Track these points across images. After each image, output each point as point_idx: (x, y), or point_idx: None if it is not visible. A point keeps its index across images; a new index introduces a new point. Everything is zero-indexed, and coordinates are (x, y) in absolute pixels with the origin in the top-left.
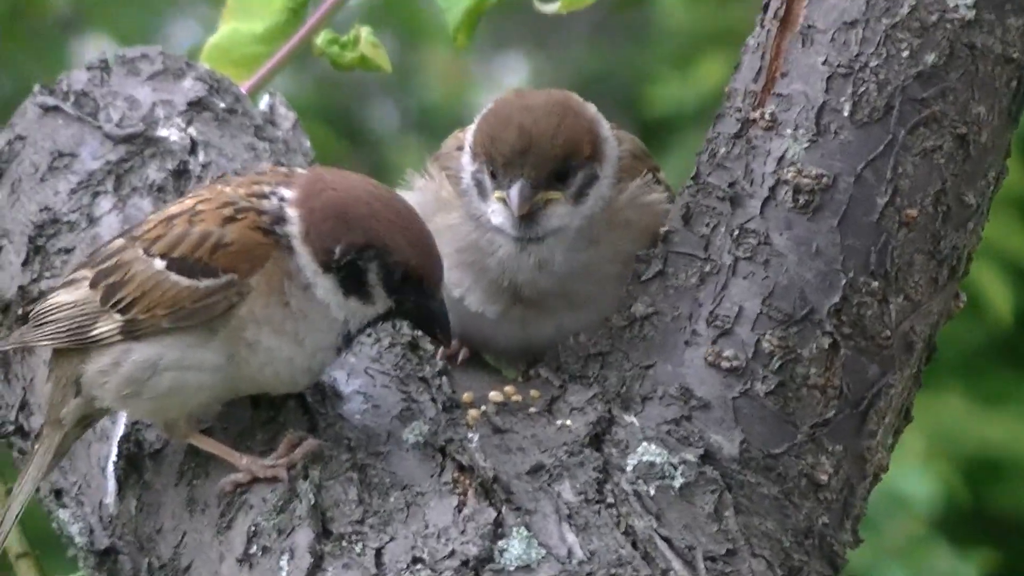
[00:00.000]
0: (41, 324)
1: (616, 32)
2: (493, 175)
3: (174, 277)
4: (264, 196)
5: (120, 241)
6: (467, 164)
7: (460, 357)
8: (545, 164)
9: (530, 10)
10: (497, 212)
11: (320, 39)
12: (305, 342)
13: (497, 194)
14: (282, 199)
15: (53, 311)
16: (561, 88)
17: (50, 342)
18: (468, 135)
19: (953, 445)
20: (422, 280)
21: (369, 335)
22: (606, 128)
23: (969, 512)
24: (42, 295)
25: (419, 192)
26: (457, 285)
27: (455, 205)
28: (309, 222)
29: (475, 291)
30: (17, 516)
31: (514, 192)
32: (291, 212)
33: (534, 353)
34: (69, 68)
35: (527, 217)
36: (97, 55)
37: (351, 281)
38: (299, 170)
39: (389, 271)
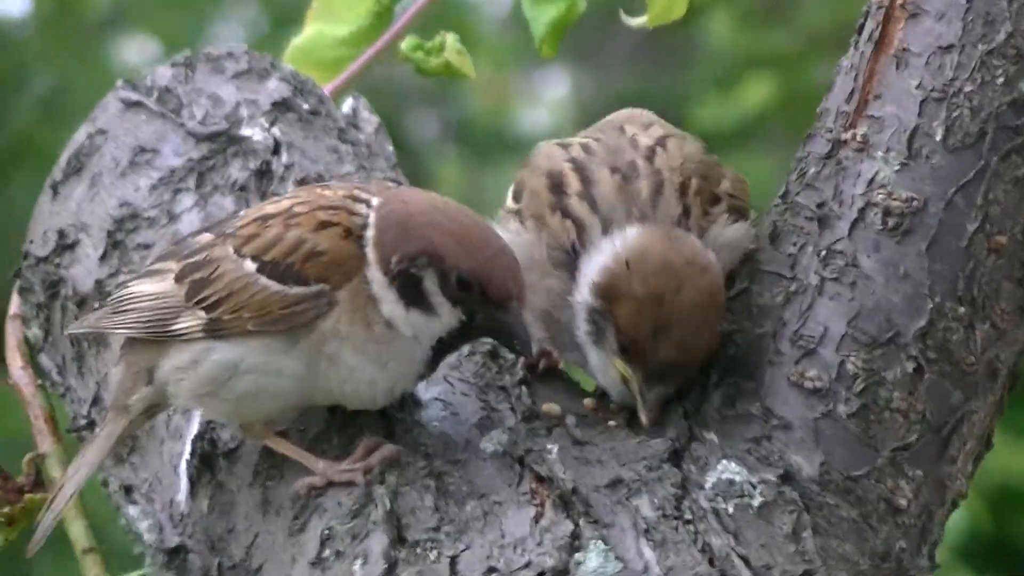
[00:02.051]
0: (120, 312)
1: (659, 51)
2: (625, 350)
3: (264, 281)
4: (359, 200)
5: (208, 236)
6: (583, 302)
7: (540, 367)
8: (690, 376)
9: (573, 25)
10: (614, 384)
11: (405, 44)
12: (388, 367)
13: (621, 368)
14: (370, 205)
15: (134, 300)
16: (605, 104)
17: (127, 331)
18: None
19: (978, 474)
20: (484, 288)
21: None
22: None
23: (992, 541)
24: (123, 284)
25: (513, 235)
26: (541, 337)
27: (550, 273)
28: (377, 230)
29: (557, 351)
30: (71, 497)
31: (651, 400)
32: (371, 220)
33: None
34: (110, 67)
35: None
36: (182, 54)
37: (410, 291)
38: (396, 185)
39: (444, 277)
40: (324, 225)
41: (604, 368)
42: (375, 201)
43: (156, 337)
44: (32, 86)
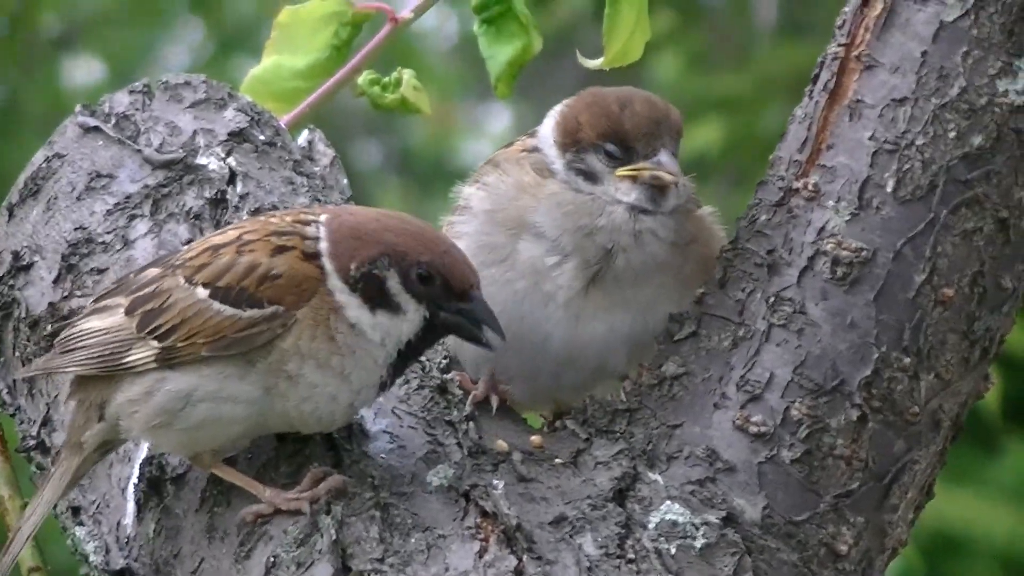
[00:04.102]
0: (70, 350)
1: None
2: (611, 156)
3: (217, 306)
4: (307, 223)
5: (155, 270)
6: (556, 157)
7: (494, 405)
8: (675, 136)
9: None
10: (625, 190)
11: (362, 79)
12: (351, 378)
13: (622, 171)
14: (319, 224)
15: (84, 337)
16: None
17: (79, 368)
18: (548, 131)
19: None
20: (447, 280)
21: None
22: None
23: None
24: (68, 319)
25: (494, 183)
26: (553, 250)
27: (549, 180)
28: (331, 243)
29: (574, 258)
30: (29, 537)
31: (666, 159)
32: (322, 233)
33: (578, 366)
34: (59, 86)
35: (660, 190)
36: (140, 81)
37: (374, 294)
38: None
39: (406, 273)
40: (280, 250)
41: (619, 188)
42: (323, 217)
43: (108, 371)
44: None
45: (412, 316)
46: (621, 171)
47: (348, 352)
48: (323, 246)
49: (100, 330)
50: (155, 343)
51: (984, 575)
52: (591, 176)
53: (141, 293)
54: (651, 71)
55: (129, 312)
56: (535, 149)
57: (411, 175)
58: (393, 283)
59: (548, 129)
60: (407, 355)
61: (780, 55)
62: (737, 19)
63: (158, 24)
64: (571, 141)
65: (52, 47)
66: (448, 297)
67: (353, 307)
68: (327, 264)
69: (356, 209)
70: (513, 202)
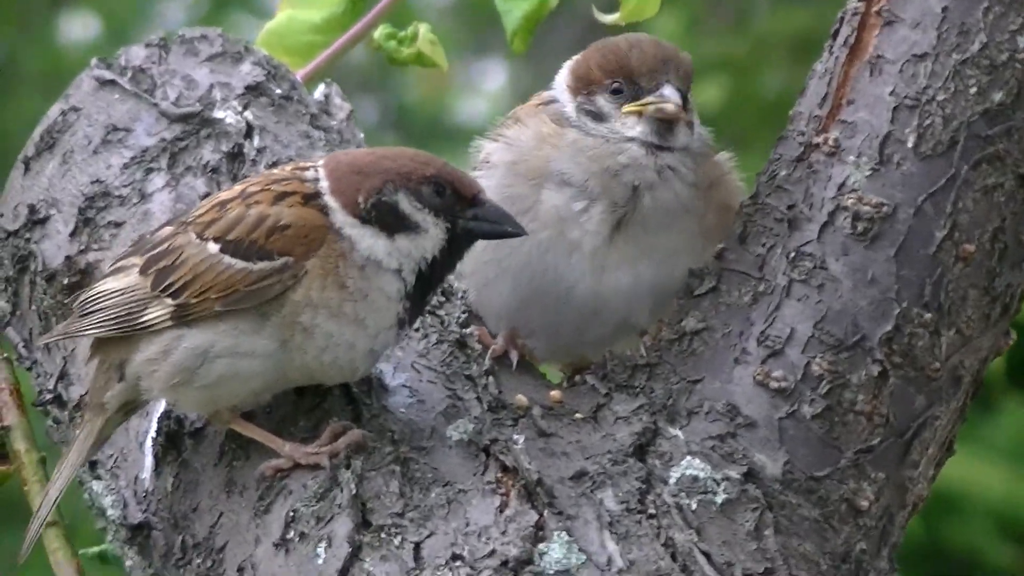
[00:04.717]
0: (88, 313)
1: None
2: (617, 92)
3: (228, 260)
4: (306, 169)
5: (169, 228)
6: (568, 102)
7: (514, 360)
8: (683, 76)
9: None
10: (630, 124)
11: (378, 33)
12: (366, 323)
13: (628, 108)
14: (316, 167)
15: (101, 299)
16: None
17: (98, 331)
18: (562, 79)
19: None
20: (457, 189)
21: (417, 330)
22: None
23: (923, 545)
24: (85, 272)
25: (514, 135)
26: (579, 196)
27: (566, 129)
28: (332, 180)
29: (601, 202)
30: (55, 501)
31: (668, 91)
32: (321, 174)
33: (602, 319)
34: (56, 44)
35: (667, 124)
36: (156, 34)
37: (391, 219)
38: None
39: (417, 191)
40: (281, 196)
41: (625, 123)
42: (320, 162)
43: (126, 332)
44: None
45: (433, 232)
46: (627, 107)
47: (360, 297)
48: (323, 185)
49: (116, 291)
50: (169, 300)
51: (980, 534)
52: (599, 116)
53: (154, 252)
54: (647, 29)
55: (143, 271)
56: (551, 100)
57: (407, 132)
58: (406, 204)
59: (562, 78)
60: (428, 279)
61: (778, 18)
62: None
63: None
64: (582, 84)
65: (49, 4)
66: (461, 204)
67: (367, 238)
68: (330, 202)
69: (349, 151)
70: (534, 152)
